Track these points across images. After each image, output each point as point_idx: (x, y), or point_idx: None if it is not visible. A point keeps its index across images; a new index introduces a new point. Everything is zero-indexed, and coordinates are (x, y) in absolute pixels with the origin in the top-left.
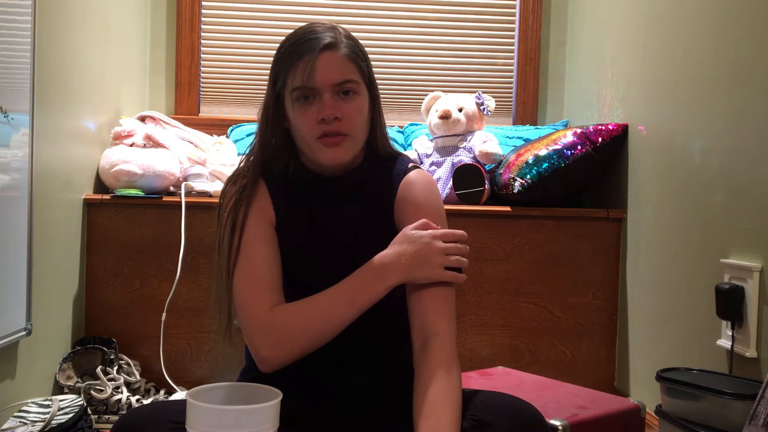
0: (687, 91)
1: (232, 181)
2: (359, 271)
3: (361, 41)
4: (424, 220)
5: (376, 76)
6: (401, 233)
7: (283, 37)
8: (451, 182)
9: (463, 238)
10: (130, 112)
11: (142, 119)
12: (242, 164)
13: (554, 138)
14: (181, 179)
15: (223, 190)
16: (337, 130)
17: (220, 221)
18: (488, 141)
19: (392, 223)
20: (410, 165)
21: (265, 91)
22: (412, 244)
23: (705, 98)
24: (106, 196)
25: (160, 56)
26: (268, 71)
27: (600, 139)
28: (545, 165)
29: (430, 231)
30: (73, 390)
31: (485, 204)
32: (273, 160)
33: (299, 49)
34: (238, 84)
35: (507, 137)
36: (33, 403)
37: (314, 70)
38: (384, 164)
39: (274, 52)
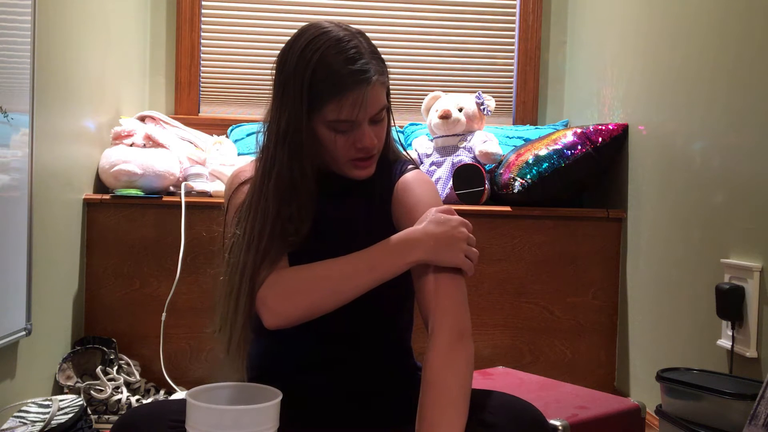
0: (687, 91)
1: (242, 181)
2: (384, 242)
3: None
4: (447, 206)
5: None
6: (429, 215)
7: (296, 36)
8: (451, 182)
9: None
10: (130, 112)
11: (142, 119)
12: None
13: (554, 138)
14: (181, 179)
15: (233, 186)
16: (371, 155)
17: (234, 218)
18: (488, 141)
19: (389, 223)
20: (409, 166)
21: (271, 89)
22: (441, 226)
23: (705, 98)
24: (106, 196)
25: (160, 56)
26: (269, 71)
27: (600, 139)
28: (545, 165)
29: (457, 217)
30: (73, 390)
31: (485, 204)
32: (310, 163)
33: (347, 80)
34: (238, 84)
35: (507, 137)
36: (33, 403)
37: (364, 108)
38: (389, 167)
39: (279, 51)
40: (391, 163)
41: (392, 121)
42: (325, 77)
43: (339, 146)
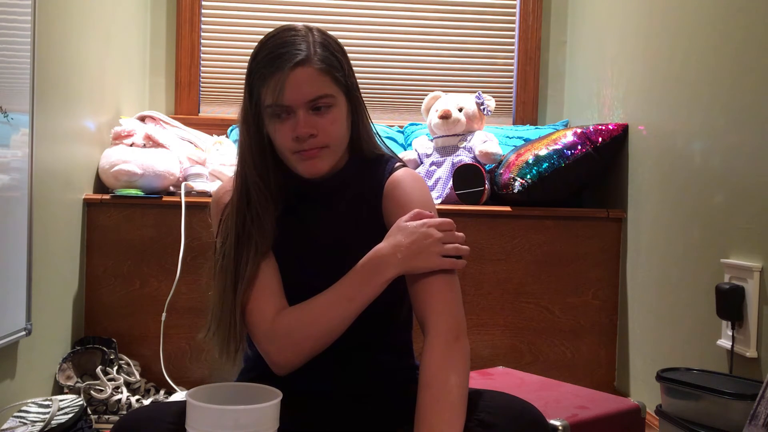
0: (687, 91)
1: (225, 190)
2: (356, 268)
3: (360, 41)
4: (416, 210)
5: (376, 76)
6: (395, 225)
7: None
8: (451, 182)
9: (452, 226)
10: (130, 112)
11: (142, 119)
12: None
13: (554, 138)
14: (181, 179)
15: (216, 199)
16: (312, 146)
17: (217, 232)
18: (488, 141)
19: (381, 223)
20: (397, 164)
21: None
22: (408, 235)
23: (705, 98)
24: (106, 196)
25: (160, 56)
26: None
27: (600, 139)
28: (545, 165)
29: (424, 221)
30: (73, 390)
31: (485, 204)
32: (255, 166)
33: (270, 65)
34: (238, 84)
35: (507, 137)
36: (33, 403)
37: (284, 89)
38: (370, 165)
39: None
40: (370, 161)
41: (363, 116)
42: (257, 63)
43: (279, 136)
